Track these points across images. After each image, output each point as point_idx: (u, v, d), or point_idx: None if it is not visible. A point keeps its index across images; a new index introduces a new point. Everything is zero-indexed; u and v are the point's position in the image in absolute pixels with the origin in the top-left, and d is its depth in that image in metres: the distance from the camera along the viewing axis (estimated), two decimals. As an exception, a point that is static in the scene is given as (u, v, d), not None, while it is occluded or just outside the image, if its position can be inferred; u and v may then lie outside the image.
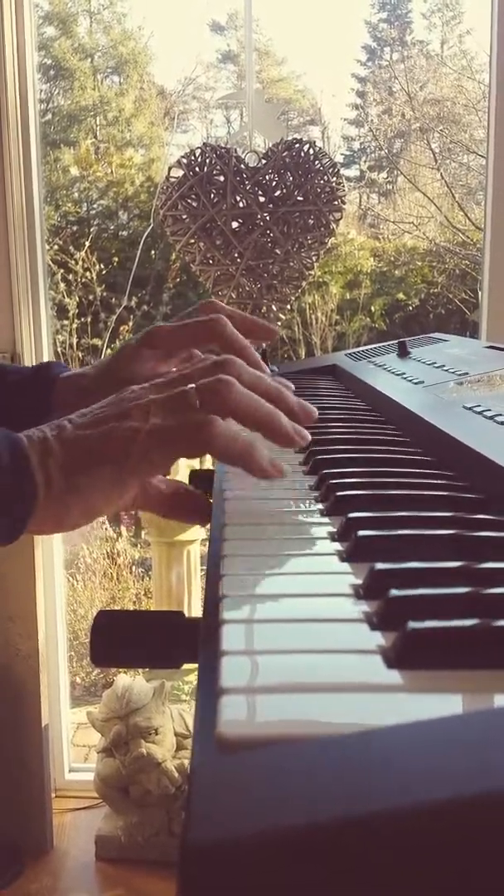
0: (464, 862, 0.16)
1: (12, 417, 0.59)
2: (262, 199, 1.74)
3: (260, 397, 0.47)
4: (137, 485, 0.47)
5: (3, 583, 1.90)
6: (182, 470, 2.13)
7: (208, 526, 0.47)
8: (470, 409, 0.57)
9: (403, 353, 0.94)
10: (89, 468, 0.45)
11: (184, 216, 1.75)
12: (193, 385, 0.46)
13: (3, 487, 0.44)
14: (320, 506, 0.44)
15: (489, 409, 0.55)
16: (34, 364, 0.69)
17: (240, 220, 1.75)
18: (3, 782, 1.93)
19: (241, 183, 1.73)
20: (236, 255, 1.76)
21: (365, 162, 5.06)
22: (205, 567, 0.50)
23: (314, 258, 1.82)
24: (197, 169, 1.75)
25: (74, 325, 3.61)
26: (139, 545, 3.47)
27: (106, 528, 3.36)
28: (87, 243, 3.66)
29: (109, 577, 3.17)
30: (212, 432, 0.44)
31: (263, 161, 1.77)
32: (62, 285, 3.56)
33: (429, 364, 0.83)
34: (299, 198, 1.75)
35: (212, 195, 1.74)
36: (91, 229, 4.44)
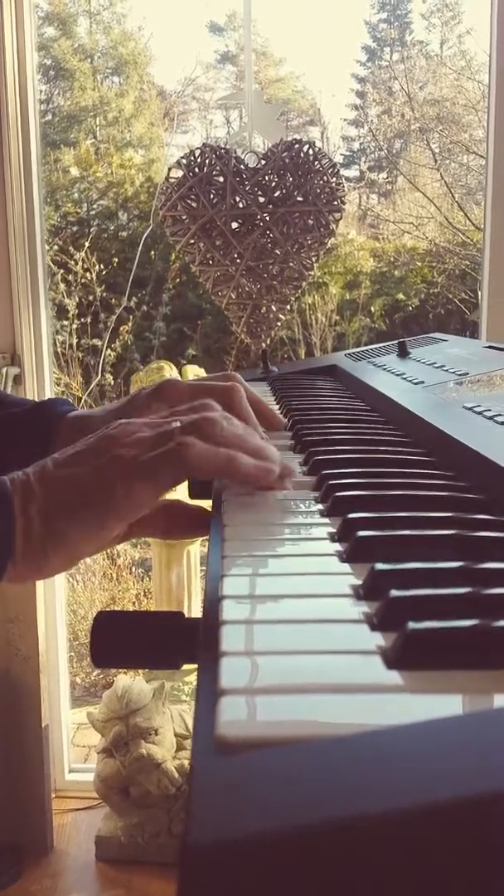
0: (464, 863, 0.16)
1: (10, 453, 0.57)
2: (261, 199, 1.74)
3: (243, 434, 0.47)
4: (121, 526, 0.45)
5: (3, 584, 1.90)
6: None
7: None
8: (470, 409, 0.57)
9: (403, 353, 0.94)
10: (70, 511, 0.44)
11: (183, 217, 1.75)
12: (178, 422, 0.45)
13: None
14: (320, 506, 0.44)
15: (489, 409, 0.55)
16: (37, 400, 0.67)
17: (239, 221, 1.75)
18: (3, 782, 1.93)
19: (241, 183, 1.73)
20: (236, 255, 1.76)
21: (365, 162, 5.07)
22: (205, 567, 0.50)
23: (314, 258, 1.82)
24: (196, 169, 1.75)
25: (74, 326, 3.61)
26: (139, 545, 3.47)
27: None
28: (87, 244, 3.66)
29: (109, 577, 3.17)
30: (190, 452, 0.43)
31: (263, 161, 1.77)
32: (62, 285, 3.56)
33: (429, 364, 0.83)
34: (299, 198, 1.75)
35: (211, 196, 1.74)
36: (91, 230, 4.44)
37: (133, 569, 3.25)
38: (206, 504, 0.54)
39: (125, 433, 0.46)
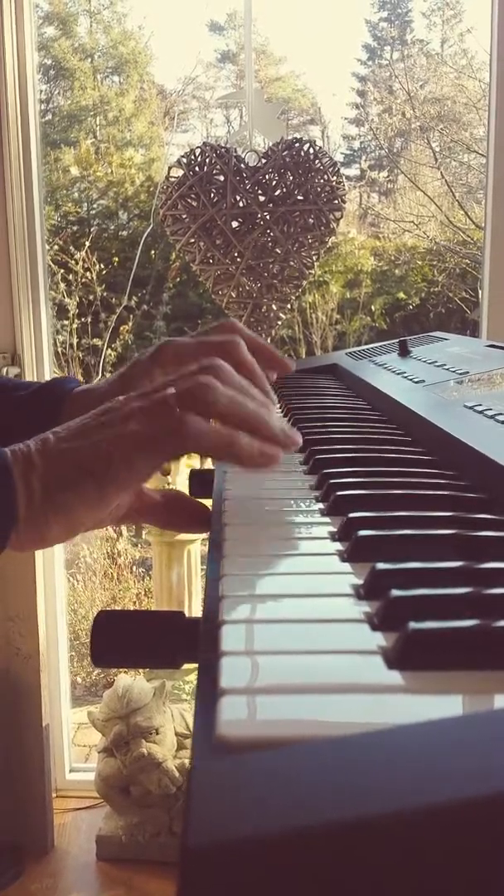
0: (464, 864, 0.16)
1: (20, 433, 0.59)
2: (262, 198, 1.74)
3: (244, 398, 0.46)
4: (121, 496, 0.46)
5: (4, 583, 1.90)
6: (183, 471, 2.14)
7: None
8: (471, 407, 0.57)
9: (404, 352, 0.93)
10: (70, 482, 0.45)
11: (184, 216, 1.75)
12: (174, 390, 0.46)
13: None
14: (320, 505, 0.44)
15: (490, 408, 0.55)
16: (42, 381, 0.67)
17: (240, 220, 1.75)
18: (3, 782, 1.93)
19: (241, 182, 1.73)
20: (236, 254, 1.76)
21: (365, 161, 5.06)
22: (205, 567, 0.50)
23: (314, 257, 1.82)
24: (197, 168, 1.75)
25: (74, 325, 3.61)
26: (140, 545, 3.47)
27: (106, 528, 3.36)
28: (87, 243, 3.66)
29: (110, 576, 3.17)
30: (189, 429, 0.44)
31: (263, 160, 1.77)
32: (62, 285, 3.56)
33: (429, 363, 0.82)
34: (299, 197, 1.74)
35: (212, 195, 1.74)
36: (91, 229, 4.44)
37: (134, 568, 3.25)
38: (207, 503, 0.54)
39: (125, 405, 0.47)
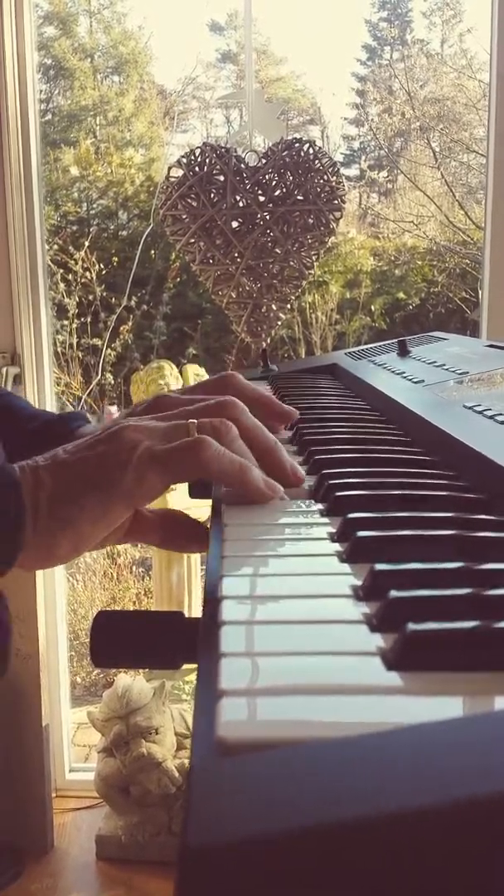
0: (464, 865, 0.16)
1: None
2: (261, 198, 1.74)
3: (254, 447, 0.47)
4: (128, 511, 0.46)
5: (4, 583, 1.89)
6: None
7: (208, 526, 0.47)
8: (470, 408, 0.57)
9: (403, 352, 0.93)
10: (77, 497, 0.44)
11: (184, 216, 1.75)
12: (194, 421, 0.45)
13: None
14: (320, 506, 0.44)
15: (489, 409, 0.55)
16: (56, 413, 0.67)
17: (240, 220, 1.75)
18: (3, 782, 1.93)
19: (241, 182, 1.73)
20: (236, 254, 1.76)
21: (365, 161, 5.06)
22: (205, 567, 0.50)
23: (314, 257, 1.82)
24: (197, 168, 1.75)
25: (74, 325, 3.61)
26: (139, 545, 3.47)
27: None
28: (87, 243, 3.66)
29: (110, 577, 3.17)
30: (205, 452, 0.43)
31: (263, 160, 1.77)
32: (62, 285, 3.56)
33: (429, 363, 0.82)
34: (299, 197, 1.74)
35: (212, 195, 1.74)
36: (91, 229, 4.44)
37: (133, 568, 3.25)
38: (207, 503, 0.54)
39: (138, 422, 0.47)
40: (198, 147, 1.78)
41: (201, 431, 0.45)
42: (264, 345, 1.79)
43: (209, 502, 0.50)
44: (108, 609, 0.53)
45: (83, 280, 3.61)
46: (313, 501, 0.46)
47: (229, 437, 0.46)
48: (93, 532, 0.45)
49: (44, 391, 1.99)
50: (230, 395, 0.51)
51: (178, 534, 0.55)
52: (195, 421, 0.45)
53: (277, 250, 1.76)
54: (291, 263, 1.78)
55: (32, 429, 0.64)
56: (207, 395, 0.52)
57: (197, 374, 2.32)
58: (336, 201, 1.77)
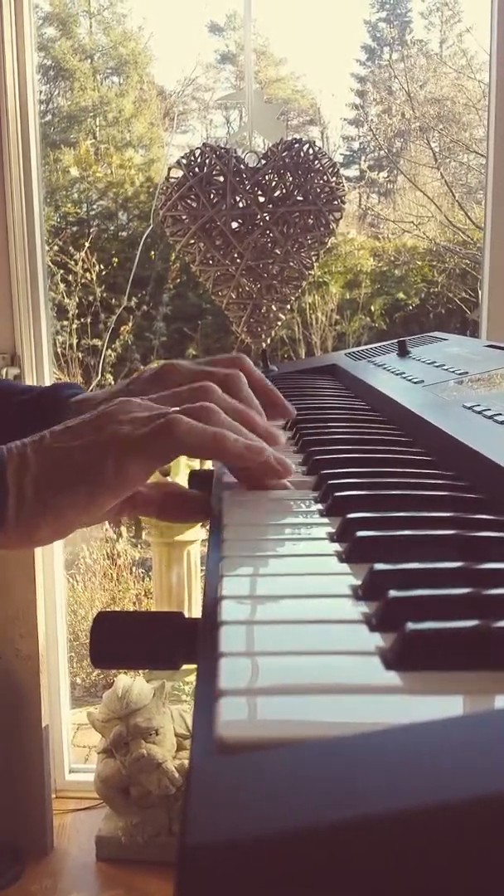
0: (465, 864, 0.16)
1: (18, 438, 0.59)
2: (261, 199, 1.74)
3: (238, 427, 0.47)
4: (114, 500, 0.46)
5: (3, 583, 1.90)
6: (182, 472, 2.13)
7: (208, 526, 0.47)
8: (470, 408, 0.57)
9: (403, 352, 0.93)
10: (62, 485, 0.44)
11: (183, 216, 1.75)
12: (177, 409, 0.45)
13: None
14: (319, 506, 0.44)
15: (489, 409, 0.55)
16: (44, 385, 0.67)
17: (240, 221, 1.75)
18: (3, 782, 1.93)
19: (241, 183, 1.73)
20: (236, 255, 1.76)
21: (365, 161, 5.06)
22: (205, 567, 0.50)
23: (314, 258, 1.82)
24: (196, 169, 1.75)
25: (74, 326, 3.61)
26: (139, 546, 3.47)
27: (106, 529, 3.36)
28: (87, 244, 3.66)
29: (109, 577, 3.17)
30: (178, 428, 0.44)
31: (263, 161, 1.77)
32: (62, 286, 3.56)
33: (429, 363, 0.82)
34: (299, 198, 1.74)
35: (211, 195, 1.74)
36: (91, 230, 4.44)
37: (133, 569, 3.25)
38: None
39: (122, 410, 0.47)
40: (197, 148, 1.78)
41: (191, 401, 0.45)
42: (264, 345, 1.79)
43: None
44: (107, 610, 0.53)
45: (83, 281, 3.61)
46: (313, 501, 0.46)
47: (213, 417, 0.46)
48: (76, 519, 0.45)
49: (44, 392, 1.99)
50: (237, 371, 0.52)
51: (176, 504, 0.55)
52: (177, 409, 0.45)
53: (277, 251, 1.76)
54: (291, 264, 1.78)
55: (25, 399, 0.63)
56: (214, 371, 0.52)
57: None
58: (336, 202, 1.78)
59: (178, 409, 0.46)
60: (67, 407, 0.61)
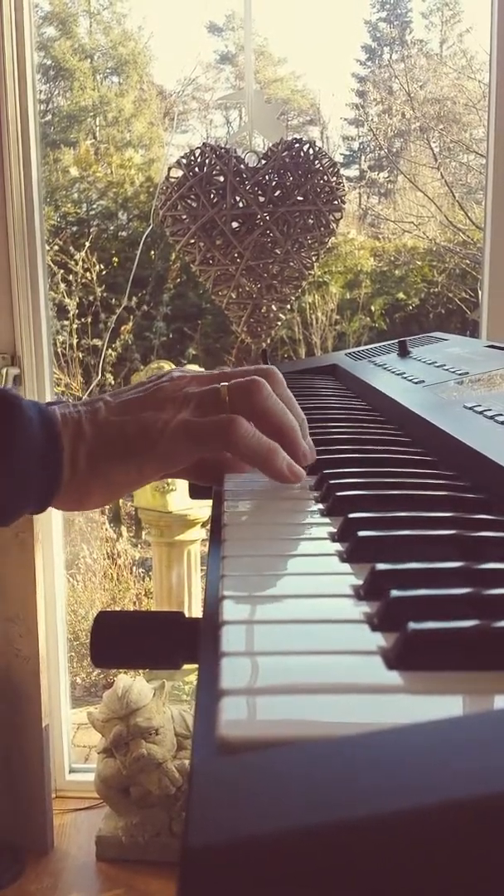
0: (465, 864, 0.16)
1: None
2: (261, 199, 1.74)
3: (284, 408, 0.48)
4: (159, 475, 0.49)
5: (3, 583, 1.90)
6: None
7: (208, 527, 0.48)
8: (470, 408, 0.57)
9: (404, 352, 0.93)
10: (115, 456, 0.47)
11: (183, 216, 1.75)
12: (227, 383, 0.47)
13: (34, 470, 0.46)
14: (320, 506, 0.44)
15: (490, 409, 0.55)
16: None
17: (240, 220, 1.75)
18: (3, 782, 1.93)
19: (241, 183, 1.73)
20: (236, 255, 1.76)
21: (365, 161, 5.06)
22: (205, 567, 0.50)
23: (314, 258, 1.82)
24: (197, 169, 1.75)
25: (74, 326, 3.61)
26: (139, 545, 3.47)
27: (106, 529, 3.36)
28: (87, 244, 3.66)
29: (110, 577, 3.17)
30: (236, 431, 0.45)
31: (263, 161, 1.77)
32: (62, 286, 3.56)
33: (429, 363, 0.82)
34: (299, 198, 1.74)
35: (211, 195, 1.74)
36: (91, 230, 4.44)
37: (133, 569, 3.25)
38: (207, 502, 0.54)
39: (176, 388, 0.49)
40: (197, 148, 1.78)
41: (233, 394, 0.47)
42: (264, 345, 1.79)
43: (209, 502, 0.50)
44: (108, 609, 0.54)
45: (83, 280, 3.61)
46: (314, 501, 0.46)
47: (264, 394, 0.47)
48: (123, 488, 0.48)
49: (44, 392, 1.99)
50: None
51: (210, 467, 0.55)
52: (226, 384, 0.47)
53: (277, 251, 1.76)
54: (291, 264, 1.78)
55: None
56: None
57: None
58: (336, 202, 1.78)
59: (227, 384, 0.47)
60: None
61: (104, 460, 0.47)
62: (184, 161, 1.77)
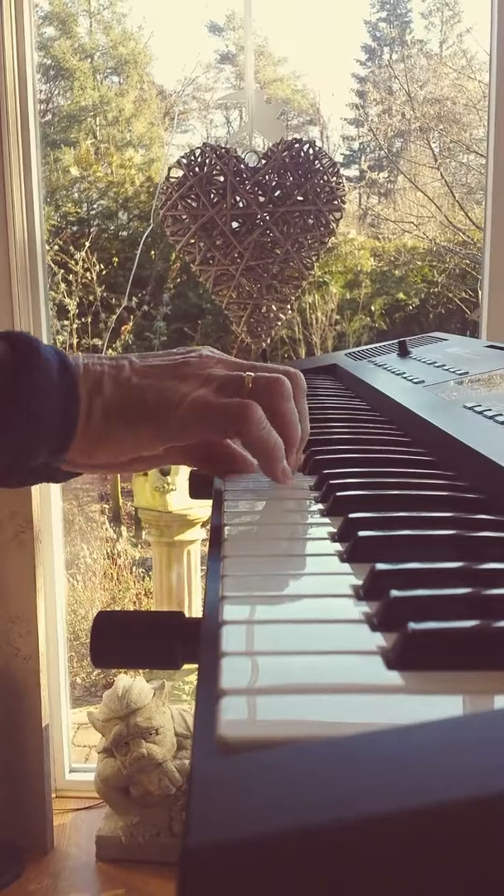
0: (465, 864, 0.16)
1: None
2: (261, 199, 1.74)
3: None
4: (162, 446, 0.49)
5: (4, 583, 1.90)
6: (183, 471, 2.13)
7: (208, 526, 0.48)
8: (470, 408, 0.57)
9: (404, 352, 0.93)
10: (130, 420, 0.47)
11: (184, 216, 1.75)
12: (252, 374, 0.48)
13: (50, 417, 0.46)
14: (320, 506, 0.44)
15: (489, 409, 0.55)
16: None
17: (240, 220, 1.75)
18: (3, 782, 1.93)
19: (241, 183, 1.73)
20: (236, 255, 1.76)
21: (365, 162, 5.06)
22: (205, 567, 0.50)
23: (314, 258, 1.82)
24: (197, 169, 1.75)
25: (75, 326, 3.61)
26: (139, 545, 3.47)
27: (106, 529, 3.36)
28: (87, 244, 3.66)
29: (110, 577, 3.17)
30: (251, 417, 0.45)
31: (263, 161, 1.77)
32: (62, 285, 3.56)
33: (429, 363, 0.83)
34: (299, 198, 1.74)
35: (212, 195, 1.74)
36: (91, 230, 4.43)
37: (133, 568, 3.25)
38: (207, 502, 0.54)
39: (203, 365, 0.49)
40: (198, 148, 1.78)
41: (256, 385, 0.47)
42: (264, 345, 1.79)
43: (209, 502, 0.50)
44: (108, 609, 0.54)
45: (84, 280, 3.61)
46: (314, 501, 0.46)
47: (281, 394, 0.48)
48: (133, 451, 0.48)
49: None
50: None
51: (214, 458, 0.56)
52: (252, 374, 0.48)
53: (277, 251, 1.76)
54: (291, 264, 1.78)
55: None
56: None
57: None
58: (336, 202, 1.78)
59: (253, 375, 0.48)
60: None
61: (116, 419, 0.47)
62: (184, 161, 1.77)
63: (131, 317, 3.84)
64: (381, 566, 0.32)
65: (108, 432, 0.47)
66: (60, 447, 0.47)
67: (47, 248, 2.19)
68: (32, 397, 0.45)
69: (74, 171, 4.52)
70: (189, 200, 1.75)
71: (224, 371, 0.49)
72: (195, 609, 2.32)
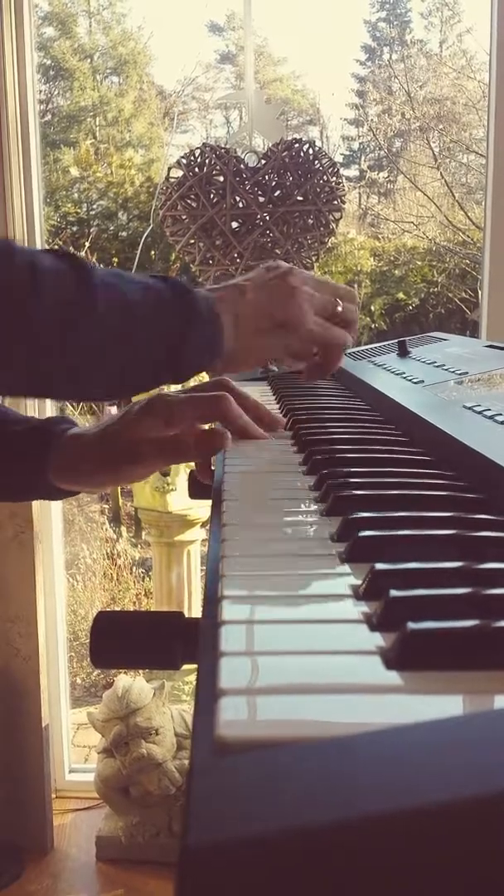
0: (464, 864, 0.16)
1: (6, 470, 0.64)
2: (261, 199, 1.74)
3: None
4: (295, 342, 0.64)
5: (4, 583, 1.90)
6: (182, 472, 2.13)
7: (208, 527, 0.48)
8: (470, 408, 0.57)
9: (403, 352, 0.93)
10: (263, 328, 0.62)
11: (183, 216, 1.75)
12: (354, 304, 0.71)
13: (202, 345, 0.59)
14: (320, 506, 0.44)
15: (489, 409, 0.55)
16: (38, 418, 0.69)
17: (239, 220, 1.75)
18: (3, 782, 1.93)
19: (241, 183, 1.73)
20: (236, 255, 1.76)
21: (364, 161, 5.07)
22: (205, 567, 0.50)
23: (314, 258, 1.82)
24: (196, 169, 1.75)
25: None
26: (139, 546, 3.47)
27: (106, 529, 3.36)
28: (87, 244, 3.66)
29: (109, 577, 3.17)
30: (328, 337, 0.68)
31: (263, 161, 1.77)
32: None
33: (429, 363, 0.83)
34: (299, 198, 1.75)
35: (211, 195, 1.74)
36: (91, 230, 4.44)
37: (133, 569, 3.25)
38: (207, 502, 0.54)
39: (302, 280, 0.65)
40: (197, 148, 1.78)
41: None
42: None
43: (209, 502, 0.50)
44: (107, 610, 0.54)
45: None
46: (313, 501, 0.46)
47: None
48: (274, 353, 0.65)
49: (44, 392, 1.99)
50: (224, 394, 0.60)
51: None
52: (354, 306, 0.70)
53: (277, 251, 1.76)
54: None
55: (18, 431, 0.65)
56: (201, 397, 0.60)
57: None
58: (336, 202, 1.78)
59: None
60: (58, 443, 0.62)
61: (258, 333, 0.62)
62: (184, 161, 1.77)
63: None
64: (380, 566, 0.32)
65: (248, 343, 0.61)
66: (214, 353, 0.60)
67: (47, 248, 2.18)
68: (197, 328, 0.58)
69: (74, 172, 4.52)
70: (189, 201, 1.75)
71: (319, 295, 0.66)
72: (195, 609, 2.32)
